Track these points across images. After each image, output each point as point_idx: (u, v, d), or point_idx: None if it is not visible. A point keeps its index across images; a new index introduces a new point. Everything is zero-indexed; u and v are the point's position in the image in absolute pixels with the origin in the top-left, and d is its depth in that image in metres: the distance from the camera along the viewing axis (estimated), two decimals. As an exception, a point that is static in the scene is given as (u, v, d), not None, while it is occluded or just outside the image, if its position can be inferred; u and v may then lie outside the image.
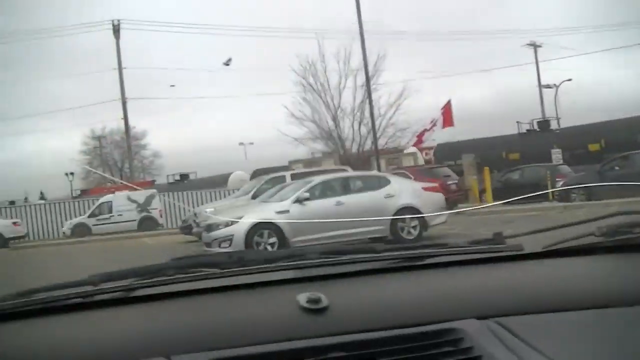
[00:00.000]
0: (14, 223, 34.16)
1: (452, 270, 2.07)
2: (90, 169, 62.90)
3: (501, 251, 2.20)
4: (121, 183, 45.08)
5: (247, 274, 2.01)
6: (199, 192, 39.31)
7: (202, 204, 35.84)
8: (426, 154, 39.42)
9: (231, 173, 45.98)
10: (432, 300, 1.83)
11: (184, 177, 50.69)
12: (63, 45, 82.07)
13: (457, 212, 21.20)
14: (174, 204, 38.09)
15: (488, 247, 2.24)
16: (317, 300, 1.72)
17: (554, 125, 40.46)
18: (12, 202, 43.12)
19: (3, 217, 35.70)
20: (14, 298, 1.90)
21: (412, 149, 38.90)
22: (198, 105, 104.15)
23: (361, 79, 38.08)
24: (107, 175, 58.96)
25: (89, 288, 1.91)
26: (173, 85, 48.64)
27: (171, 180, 50.53)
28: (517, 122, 39.57)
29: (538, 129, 38.83)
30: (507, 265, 2.12)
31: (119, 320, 1.79)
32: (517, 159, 33.92)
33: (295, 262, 2.10)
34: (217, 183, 43.39)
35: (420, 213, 15.56)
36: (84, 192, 47.20)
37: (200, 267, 2.06)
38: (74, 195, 48.77)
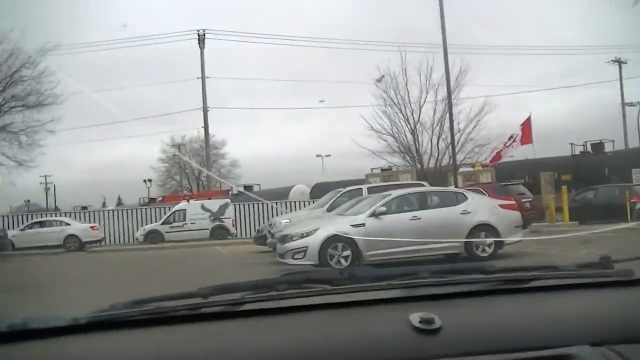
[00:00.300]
0: (92, 227, 35.10)
1: (562, 293, 2.05)
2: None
3: (611, 276, 2.16)
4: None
5: (358, 291, 2.01)
6: (261, 203, 39.54)
7: (265, 215, 36.64)
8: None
9: (293, 186, 46.26)
10: (544, 324, 1.81)
11: (247, 188, 51.13)
12: (148, 54, 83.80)
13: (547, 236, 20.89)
14: (245, 213, 38.71)
15: (598, 272, 2.21)
16: (430, 321, 1.70)
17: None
18: (84, 207, 44.20)
19: (80, 221, 36.76)
20: (125, 307, 1.95)
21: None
22: (277, 116, 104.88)
23: (442, 93, 38.01)
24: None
25: (199, 300, 1.94)
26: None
27: (235, 192, 51.11)
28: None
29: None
30: (618, 291, 2.09)
31: (227, 334, 1.81)
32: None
33: (406, 281, 2.09)
34: (281, 195, 43.76)
35: (497, 230, 15.43)
36: (152, 201, 47.89)
37: (312, 283, 2.07)
38: (141, 203, 49.54)
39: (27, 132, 40.15)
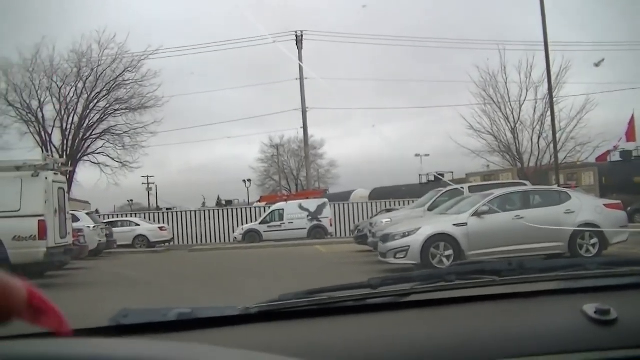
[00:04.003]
0: (160, 228, 36.12)
1: None
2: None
3: None
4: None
5: (527, 282, 2.02)
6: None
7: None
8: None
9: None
10: None
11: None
12: (247, 56, 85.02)
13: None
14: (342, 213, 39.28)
15: None
16: (606, 312, 1.68)
17: None
18: (168, 208, 45.48)
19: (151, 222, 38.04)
20: (296, 297, 1.99)
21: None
22: (374, 115, 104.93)
23: (542, 91, 37.53)
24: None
25: (368, 291, 1.97)
26: None
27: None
28: None
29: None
30: None
31: (394, 324, 1.82)
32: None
33: (575, 272, 2.09)
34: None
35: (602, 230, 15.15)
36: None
37: (481, 274, 2.08)
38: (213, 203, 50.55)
39: (130, 134, 41.71)
